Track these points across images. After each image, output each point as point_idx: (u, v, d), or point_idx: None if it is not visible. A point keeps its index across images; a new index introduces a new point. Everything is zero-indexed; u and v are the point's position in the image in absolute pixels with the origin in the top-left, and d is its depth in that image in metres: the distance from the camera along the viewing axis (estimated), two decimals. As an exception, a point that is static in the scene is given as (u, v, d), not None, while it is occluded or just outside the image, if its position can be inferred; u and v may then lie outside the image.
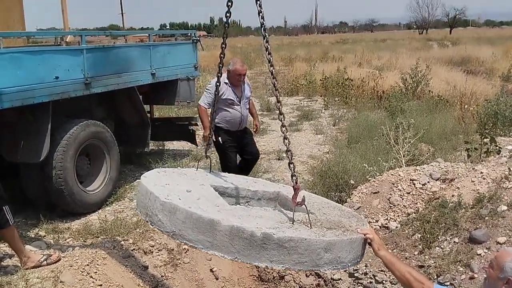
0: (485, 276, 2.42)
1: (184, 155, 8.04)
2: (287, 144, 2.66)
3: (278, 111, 2.77)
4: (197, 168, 3.40)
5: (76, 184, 5.33)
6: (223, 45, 3.17)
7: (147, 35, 7.05)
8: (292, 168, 2.52)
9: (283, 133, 2.69)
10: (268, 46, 2.88)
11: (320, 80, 15.39)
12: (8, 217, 3.90)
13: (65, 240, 4.79)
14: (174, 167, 6.72)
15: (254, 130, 5.99)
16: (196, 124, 7.99)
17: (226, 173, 3.50)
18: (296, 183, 2.46)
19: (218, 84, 3.46)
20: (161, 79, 6.80)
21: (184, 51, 7.39)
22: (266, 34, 2.94)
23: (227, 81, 5.48)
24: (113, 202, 5.86)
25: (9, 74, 4.46)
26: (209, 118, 5.43)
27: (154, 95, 7.23)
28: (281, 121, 2.71)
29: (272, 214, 2.56)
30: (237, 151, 5.73)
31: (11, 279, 3.87)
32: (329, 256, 2.24)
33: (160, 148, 8.33)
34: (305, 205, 2.39)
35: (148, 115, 7.11)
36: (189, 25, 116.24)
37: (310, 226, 2.36)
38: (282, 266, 2.24)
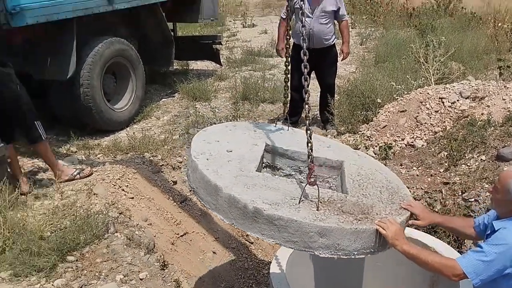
0: (491, 199, 2.41)
1: (208, 75, 8.00)
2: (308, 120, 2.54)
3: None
4: (275, 124, 3.30)
5: (104, 102, 5.39)
6: None
7: None
8: (309, 148, 2.38)
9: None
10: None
11: (347, -3, 14.79)
12: (40, 132, 4.01)
13: (96, 156, 4.94)
14: (199, 86, 6.73)
15: (341, 57, 5.55)
16: (220, 43, 7.87)
17: (303, 132, 3.19)
18: (312, 162, 2.37)
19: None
20: (184, -6, 6.61)
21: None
22: None
23: None
24: (140, 120, 5.95)
25: (32, -11, 4.38)
26: (284, 30, 5.34)
27: (177, 13, 7.06)
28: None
29: (292, 188, 2.45)
30: (307, 72, 5.34)
31: (47, 191, 4.05)
32: (324, 241, 2.20)
33: (185, 68, 8.29)
34: (317, 185, 2.32)
35: (172, 33, 7.00)
36: None
37: (317, 208, 2.29)
38: (273, 241, 2.26)
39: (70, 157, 4.84)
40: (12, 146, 4.10)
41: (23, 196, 3.87)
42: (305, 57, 2.60)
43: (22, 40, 4.75)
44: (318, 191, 2.31)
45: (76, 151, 5.04)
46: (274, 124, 3.37)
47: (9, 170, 3.96)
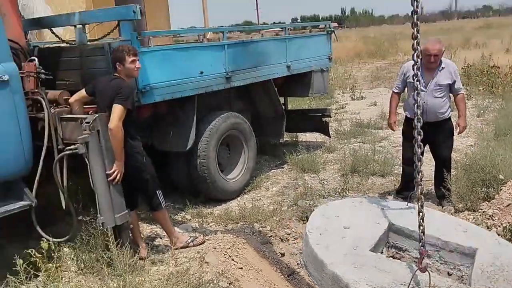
0: None
1: (317, 146, 8.07)
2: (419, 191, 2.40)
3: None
4: (407, 203, 3.26)
5: (218, 172, 5.65)
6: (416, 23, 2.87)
7: (283, 28, 7.18)
8: (420, 232, 2.26)
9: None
10: (418, 36, 2.71)
11: (462, 68, 14.34)
12: (160, 200, 4.29)
13: (208, 224, 5.12)
14: (307, 158, 6.81)
15: (457, 131, 5.31)
16: (330, 116, 7.97)
17: (435, 212, 3.06)
18: (423, 246, 2.25)
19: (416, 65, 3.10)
20: (296, 71, 6.88)
21: (318, 42, 7.40)
22: (418, 22, 2.74)
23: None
24: (251, 190, 6.11)
25: (160, 70, 4.85)
26: (396, 103, 5.40)
27: (289, 87, 7.35)
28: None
29: (405, 272, 2.31)
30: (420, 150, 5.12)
31: (163, 257, 4.25)
32: None
33: (294, 139, 8.46)
34: (428, 272, 2.19)
35: (283, 107, 7.26)
36: (320, 17, 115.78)
37: None
38: None
39: (185, 224, 5.08)
40: (135, 212, 4.42)
41: (141, 260, 4.10)
42: (419, 137, 2.54)
43: (149, 115, 5.21)
44: (430, 279, 2.17)
45: (190, 219, 5.27)
46: (406, 204, 3.24)
47: (130, 235, 4.24)
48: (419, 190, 2.40)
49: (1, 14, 4.32)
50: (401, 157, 5.70)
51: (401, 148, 5.73)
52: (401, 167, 5.64)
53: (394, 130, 5.56)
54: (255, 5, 51.93)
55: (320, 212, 2.85)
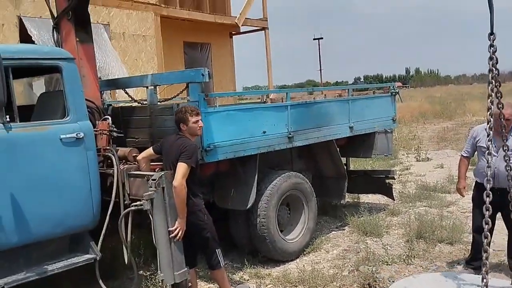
0: None
1: (380, 209, 7.84)
2: None
3: None
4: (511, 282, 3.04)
5: (277, 232, 5.60)
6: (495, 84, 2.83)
7: (346, 90, 7.22)
8: None
9: None
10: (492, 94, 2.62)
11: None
12: (219, 259, 4.28)
13: (266, 286, 5.03)
14: (370, 221, 6.62)
15: None
16: (394, 178, 7.77)
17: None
18: None
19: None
20: (359, 132, 6.84)
21: (382, 104, 7.36)
22: (497, 83, 2.67)
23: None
24: (310, 252, 5.97)
25: (224, 129, 4.98)
26: (465, 168, 5.25)
27: (351, 148, 7.29)
28: None
29: None
30: (488, 215, 4.76)
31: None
32: None
33: (356, 200, 8.29)
34: None
35: (345, 167, 7.18)
36: (384, 77, 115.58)
37: None
38: None
39: (242, 285, 5.01)
40: (194, 270, 4.43)
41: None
42: (487, 199, 2.42)
43: (211, 173, 5.31)
44: None
45: (248, 279, 5.20)
46: (510, 282, 2.99)
47: (188, 293, 4.24)
48: (484, 255, 2.26)
49: (81, 75, 4.65)
50: (471, 224, 5.41)
51: (470, 214, 5.45)
52: (471, 235, 5.34)
53: (463, 196, 5.33)
54: (318, 65, 52.93)
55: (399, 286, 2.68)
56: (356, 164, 10.10)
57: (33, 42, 8.64)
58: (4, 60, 3.60)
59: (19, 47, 4.52)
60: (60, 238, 4.19)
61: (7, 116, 3.75)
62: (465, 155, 5.19)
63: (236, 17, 14.23)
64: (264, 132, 5.38)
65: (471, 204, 5.26)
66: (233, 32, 15.95)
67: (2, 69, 3.47)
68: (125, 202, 4.37)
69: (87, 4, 5.13)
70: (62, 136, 4.10)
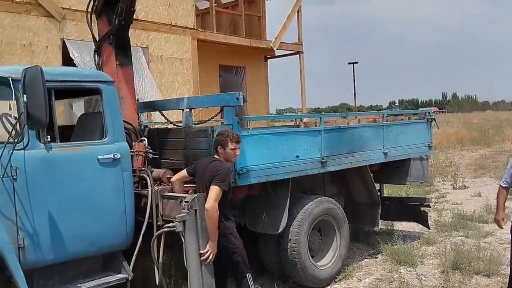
0: None
1: (414, 237, 7.66)
2: None
3: None
4: None
5: (308, 258, 5.53)
6: None
7: (381, 115, 7.16)
8: None
9: None
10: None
11: None
12: (249, 284, 4.26)
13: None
14: (404, 249, 6.47)
15: None
16: (429, 206, 7.60)
17: None
18: None
19: None
20: (393, 158, 6.75)
21: (418, 130, 7.25)
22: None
23: None
24: (342, 280, 5.86)
25: (257, 153, 5.00)
26: (504, 199, 5.13)
27: (385, 174, 7.18)
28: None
29: None
30: None
31: None
32: None
33: (389, 227, 8.12)
34: None
35: (378, 193, 7.07)
36: (419, 101, 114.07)
37: None
38: None
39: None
40: (223, 294, 4.42)
41: None
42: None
43: (243, 196, 5.32)
44: None
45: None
46: None
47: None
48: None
49: (120, 97, 4.79)
50: (509, 256, 5.22)
51: (509, 246, 5.26)
52: (509, 267, 5.15)
53: (501, 227, 5.16)
54: (352, 89, 52.84)
55: None
56: (390, 190, 9.93)
57: (74, 64, 8.96)
58: (48, 82, 3.74)
59: (62, 70, 4.71)
60: (94, 257, 4.27)
61: (48, 136, 3.88)
62: (504, 185, 5.05)
63: (271, 41, 14.39)
64: (297, 156, 5.38)
65: (510, 236, 5.09)
66: (268, 56, 16.12)
67: (46, 92, 3.61)
68: (158, 223, 4.43)
69: (128, 29, 5.30)
70: (99, 157, 4.21)
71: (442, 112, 74.07)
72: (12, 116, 3.93)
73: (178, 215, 3.99)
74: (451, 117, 55.33)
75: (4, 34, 8.25)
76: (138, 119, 5.54)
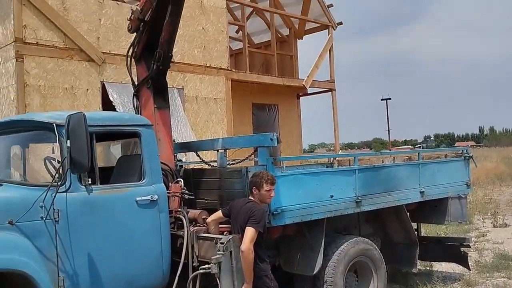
0: None
1: (454, 279, 7.41)
2: None
3: None
4: None
5: (344, 300, 5.42)
6: None
7: (417, 153, 7.07)
8: None
9: None
10: None
11: None
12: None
13: None
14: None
15: None
16: (469, 246, 7.37)
17: None
18: None
19: None
20: (430, 197, 6.62)
21: (455, 168, 7.12)
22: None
23: None
24: (379, 323, 5.70)
25: (292, 193, 5.01)
26: None
27: (423, 213, 7.04)
28: None
29: None
30: None
31: None
32: None
33: (428, 268, 7.89)
34: None
35: (416, 233, 6.91)
36: (455, 135, 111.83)
37: None
38: None
39: None
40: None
41: None
42: None
43: (278, 236, 5.31)
44: None
45: None
46: None
47: None
48: None
49: (157, 139, 4.92)
50: None
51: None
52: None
53: None
54: (385, 124, 52.36)
55: None
56: (428, 229, 9.69)
57: (113, 105, 9.27)
58: (90, 127, 3.91)
59: (104, 115, 4.90)
60: (131, 298, 4.31)
61: (89, 179, 4.02)
62: None
63: (303, 79, 14.54)
64: (332, 196, 5.35)
65: None
66: (300, 94, 16.26)
67: (88, 137, 3.77)
68: (194, 264, 4.45)
69: (166, 73, 5.50)
70: (138, 199, 4.32)
71: (480, 146, 72.25)
72: (56, 160, 4.10)
73: (214, 257, 4.02)
74: (489, 151, 53.89)
75: (47, 78, 8.64)
76: (175, 160, 5.66)
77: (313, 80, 14.68)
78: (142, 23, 5.39)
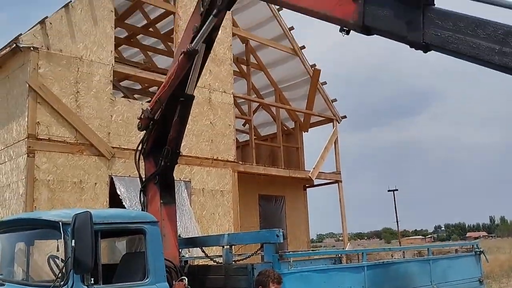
0: None
1: None
2: None
3: None
4: None
5: None
6: None
7: (426, 249, 6.94)
8: None
9: None
10: None
11: None
12: None
13: None
14: None
15: None
16: None
17: None
18: None
19: None
20: (443, 294, 6.40)
21: (466, 263, 6.95)
22: None
23: None
24: None
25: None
26: None
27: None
28: None
29: None
30: None
31: None
32: None
33: None
34: None
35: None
36: (466, 225, 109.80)
37: None
38: None
39: None
40: None
41: None
42: None
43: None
44: None
45: None
46: None
47: None
48: None
49: (162, 235, 4.89)
50: None
51: None
52: None
53: None
54: (394, 215, 51.65)
55: None
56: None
57: (120, 198, 9.30)
58: (96, 225, 3.91)
59: (110, 213, 4.92)
60: None
61: (92, 279, 3.94)
62: None
63: (309, 171, 14.65)
64: (340, 295, 5.20)
65: None
66: (306, 185, 16.29)
67: (93, 237, 3.76)
68: None
69: (173, 169, 5.60)
70: (140, 298, 4.20)
71: (491, 237, 70.50)
72: (59, 259, 4.06)
73: None
74: (502, 242, 52.58)
75: (57, 173, 8.76)
76: (179, 255, 5.58)
77: (319, 172, 14.77)
78: (151, 122, 5.58)
